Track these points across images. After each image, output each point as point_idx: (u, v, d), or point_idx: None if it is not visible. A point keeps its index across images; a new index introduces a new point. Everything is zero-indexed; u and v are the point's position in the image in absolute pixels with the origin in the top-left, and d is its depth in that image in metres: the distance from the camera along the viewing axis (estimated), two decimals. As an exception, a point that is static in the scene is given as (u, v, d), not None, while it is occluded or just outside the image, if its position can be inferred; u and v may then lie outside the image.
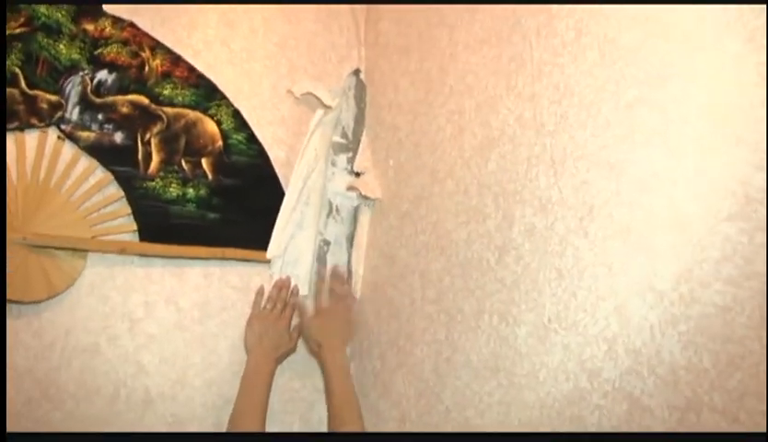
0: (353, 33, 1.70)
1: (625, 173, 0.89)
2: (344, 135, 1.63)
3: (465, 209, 1.21)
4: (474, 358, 1.10)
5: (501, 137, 1.16)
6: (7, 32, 1.29)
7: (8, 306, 1.22)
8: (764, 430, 0.68)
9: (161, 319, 1.35)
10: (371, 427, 1.35)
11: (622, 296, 0.86)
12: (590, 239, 0.93)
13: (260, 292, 1.45)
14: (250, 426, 1.19)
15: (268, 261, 1.48)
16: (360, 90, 1.67)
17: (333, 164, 1.60)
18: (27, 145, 1.27)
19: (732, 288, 0.73)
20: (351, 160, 1.61)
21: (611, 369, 0.85)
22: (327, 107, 1.59)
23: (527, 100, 1.11)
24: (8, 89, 1.27)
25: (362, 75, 1.67)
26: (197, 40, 1.48)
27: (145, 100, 1.40)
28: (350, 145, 1.63)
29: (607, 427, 0.84)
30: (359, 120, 1.65)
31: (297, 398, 1.44)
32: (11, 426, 1.18)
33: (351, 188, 1.56)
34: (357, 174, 1.58)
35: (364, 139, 1.61)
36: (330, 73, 1.65)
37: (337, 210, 1.58)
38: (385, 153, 1.53)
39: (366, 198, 1.53)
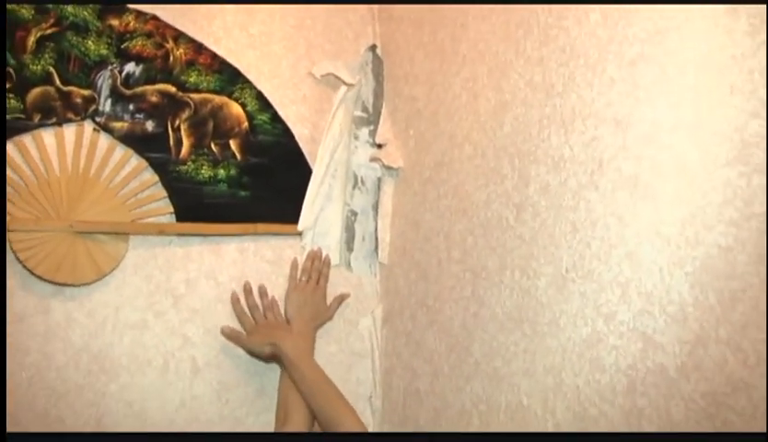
0: (366, 9, 1.75)
1: (630, 128, 0.94)
2: (365, 109, 1.69)
3: (483, 171, 1.26)
4: (499, 311, 1.16)
5: (513, 101, 1.21)
6: (39, 33, 1.36)
7: (62, 289, 1.31)
8: (764, 430, 0.72)
9: (202, 294, 1.44)
10: (404, 387, 1.42)
11: (632, 244, 0.91)
12: (601, 192, 0.98)
13: (294, 265, 1.52)
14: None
15: (299, 234, 1.55)
16: (377, 65, 1.72)
17: (356, 137, 1.66)
18: (66, 139, 1.35)
19: (733, 229, 0.78)
20: (372, 133, 1.67)
21: (625, 312, 0.90)
22: (348, 84, 1.65)
23: (535, 64, 1.16)
24: (44, 87, 1.35)
25: (378, 50, 1.72)
26: (217, 27, 1.54)
27: (172, 89, 1.47)
28: (371, 119, 1.68)
29: (623, 366, 0.90)
30: (378, 93, 1.70)
31: (335, 361, 1.52)
32: (75, 398, 1.27)
33: (374, 159, 1.62)
34: (379, 145, 1.64)
35: (383, 111, 1.66)
36: (347, 49, 1.70)
37: (362, 181, 1.65)
38: (405, 123, 1.58)
39: (388, 168, 1.59)
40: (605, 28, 1.02)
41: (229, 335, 1.43)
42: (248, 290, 1.47)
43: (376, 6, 1.75)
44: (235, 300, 1.46)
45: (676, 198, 0.86)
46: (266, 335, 1.41)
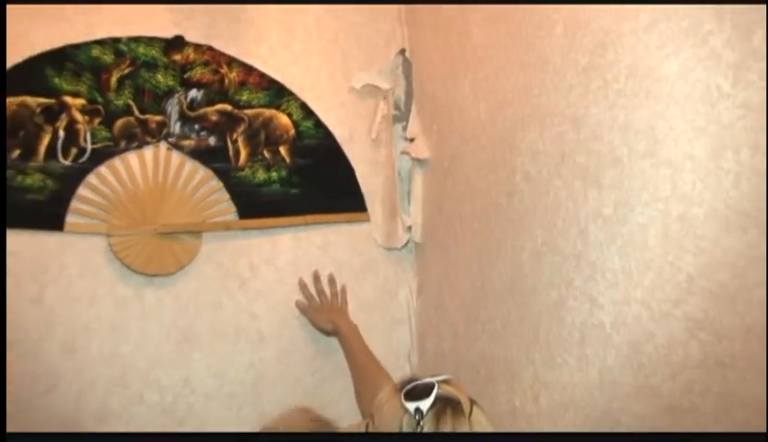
0: (395, 16, 1.97)
1: (583, 126, 1.15)
2: (398, 107, 1.92)
3: (484, 163, 1.48)
4: (497, 283, 1.39)
5: (504, 101, 1.42)
6: (119, 74, 1.68)
7: (152, 279, 1.62)
8: (764, 430, 0.81)
9: (264, 277, 1.73)
10: (434, 347, 1.67)
11: (583, 223, 1.12)
12: (563, 180, 1.19)
13: (303, 285, 1.76)
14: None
15: (343, 222, 1.81)
16: (407, 67, 1.94)
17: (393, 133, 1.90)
18: (146, 159, 1.66)
19: (647, 208, 0.98)
20: (404, 128, 1.90)
21: (578, 279, 1.12)
22: (385, 90, 1.89)
23: (520, 69, 1.36)
24: (126, 118, 1.66)
25: (407, 53, 1.94)
26: (264, 49, 1.81)
27: (228, 107, 1.76)
28: (403, 116, 1.91)
29: (577, 323, 1.11)
30: (408, 92, 1.93)
31: (379, 327, 1.78)
32: (168, 364, 1.59)
33: (404, 152, 1.85)
34: (411, 139, 1.87)
35: (413, 109, 1.89)
36: (378, 55, 1.93)
37: (399, 172, 1.89)
38: (429, 120, 1.81)
39: (417, 159, 1.83)
40: (566, 38, 1.22)
41: (301, 308, 1.73)
42: (316, 277, 1.75)
43: (403, 8, 1.96)
44: (303, 285, 1.75)
45: (612, 185, 1.07)
46: (329, 315, 1.70)
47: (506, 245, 1.37)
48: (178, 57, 1.74)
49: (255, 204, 1.74)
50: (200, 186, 1.70)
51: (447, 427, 0.90)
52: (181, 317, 1.64)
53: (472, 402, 0.95)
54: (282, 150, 1.79)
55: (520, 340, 1.28)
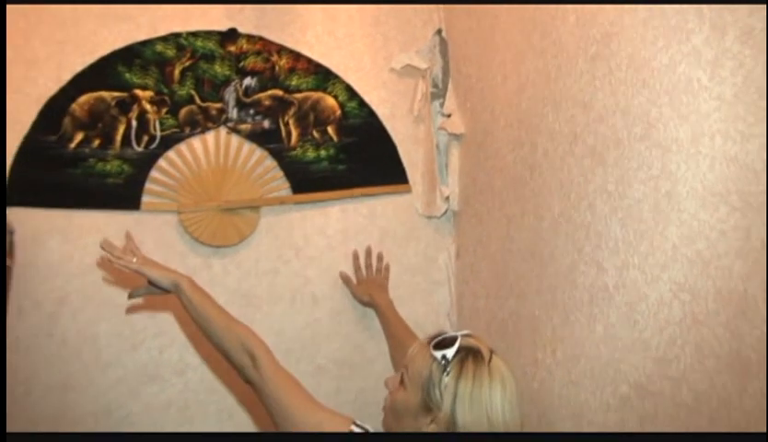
0: (432, -4, 2.10)
1: (591, 110, 1.28)
2: (436, 85, 2.07)
3: (510, 139, 1.62)
4: (522, 246, 1.54)
5: (527, 83, 1.55)
6: (181, 67, 1.87)
7: (217, 249, 1.84)
8: (764, 430, 0.85)
9: (316, 245, 1.92)
10: (470, 306, 1.84)
11: (591, 197, 1.26)
12: (576, 158, 1.33)
13: (356, 255, 1.94)
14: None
15: (387, 193, 1.98)
16: (443, 46, 2.07)
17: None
18: (208, 143, 1.86)
19: (644, 185, 1.12)
20: (442, 105, 2.04)
21: (587, 246, 1.26)
22: (423, 69, 2.03)
23: (539, 55, 1.49)
24: (189, 106, 1.86)
25: (443, 33, 2.07)
26: (310, 36, 1.98)
27: (279, 92, 1.94)
28: (440, 93, 2.06)
29: (587, 285, 1.26)
30: (445, 71, 2.07)
31: (421, 288, 1.96)
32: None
33: (441, 128, 2.00)
34: (448, 115, 2.01)
35: (450, 87, 2.03)
36: (417, 36, 2.07)
37: (437, 146, 2.04)
38: (464, 97, 1.94)
39: (453, 134, 1.97)
40: (577, 27, 1.34)
41: (344, 278, 1.91)
42: (368, 252, 1.94)
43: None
44: (355, 256, 1.93)
45: (614, 164, 1.20)
46: (368, 288, 1.89)
47: (529, 215, 1.51)
48: (232, 48, 1.92)
49: (306, 180, 1.92)
50: (257, 165, 1.90)
51: (469, 372, 1.08)
52: (244, 283, 1.86)
53: (491, 352, 1.13)
54: (329, 130, 1.96)
55: (541, 300, 1.43)
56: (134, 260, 1.36)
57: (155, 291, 1.39)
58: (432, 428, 1.08)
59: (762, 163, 0.88)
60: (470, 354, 1.11)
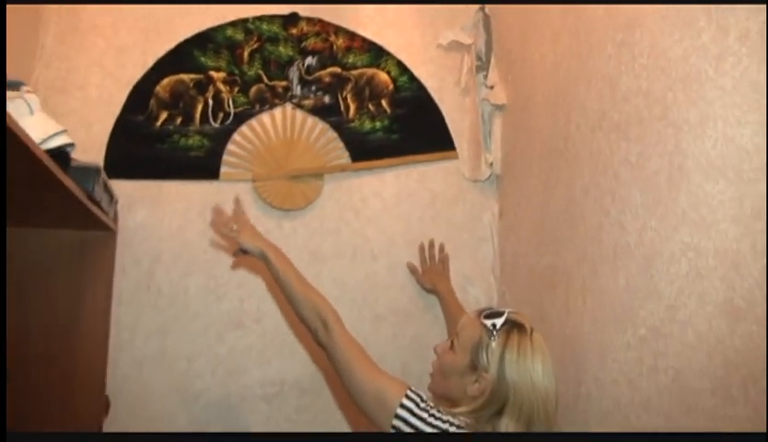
0: (476, -26, 2.26)
1: (616, 89, 1.45)
2: (480, 58, 2.24)
3: (546, 112, 1.81)
4: (556, 211, 1.74)
5: (561, 62, 1.73)
6: (249, 49, 2.10)
7: (287, 212, 2.08)
8: (764, 430, 0.91)
9: (373, 207, 2.15)
10: (511, 261, 2.05)
11: (631, 158, 1.45)
12: (604, 132, 1.51)
13: (422, 249, 2.15)
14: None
15: (436, 160, 2.19)
16: (487, 21, 2.24)
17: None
18: (276, 118, 2.09)
19: (664, 145, 1.30)
20: (485, 76, 2.22)
21: (628, 202, 1.46)
22: (468, 44, 2.21)
23: (572, 35, 1.66)
24: (258, 85, 2.09)
25: (486, 9, 2.24)
26: (363, 16, 2.18)
27: (338, 70, 2.15)
28: (484, 66, 2.23)
29: (631, 244, 1.46)
30: (488, 45, 2.24)
31: (467, 245, 2.17)
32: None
33: (485, 98, 2.19)
34: (491, 87, 2.19)
35: (492, 60, 2.20)
36: (461, 12, 2.25)
37: (482, 115, 2.23)
38: (506, 70, 2.12)
39: (496, 105, 2.16)
40: (606, 14, 1.51)
41: (410, 268, 2.14)
42: (431, 244, 2.14)
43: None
44: (421, 249, 2.14)
45: (636, 139, 1.39)
46: (431, 277, 2.10)
47: (563, 181, 1.71)
48: (294, 30, 2.14)
49: (364, 149, 2.15)
50: (320, 137, 2.12)
51: (514, 341, 1.29)
52: (311, 241, 2.10)
53: (532, 328, 1.34)
54: (383, 103, 2.17)
55: (573, 255, 1.64)
56: (235, 227, 1.59)
57: (247, 254, 1.60)
58: (476, 387, 1.28)
59: (753, 145, 1.07)
60: (515, 327, 1.32)
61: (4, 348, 1.04)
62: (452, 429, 1.23)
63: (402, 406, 1.25)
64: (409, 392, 1.27)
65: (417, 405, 1.25)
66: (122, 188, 1.96)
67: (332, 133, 2.14)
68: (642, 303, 1.35)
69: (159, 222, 2.01)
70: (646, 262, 1.34)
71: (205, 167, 2.04)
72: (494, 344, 1.28)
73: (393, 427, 1.24)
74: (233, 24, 2.11)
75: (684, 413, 1.21)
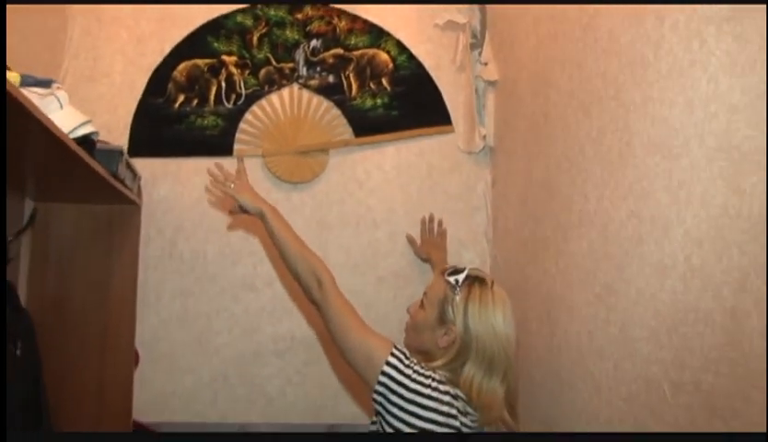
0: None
1: (583, 70, 1.60)
2: (474, 36, 2.39)
3: (530, 90, 1.95)
4: (537, 179, 1.89)
5: (542, 43, 1.87)
6: (258, 34, 2.27)
7: (296, 185, 2.27)
8: (764, 430, 0.92)
9: (375, 178, 2.32)
10: (502, 226, 2.21)
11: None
12: (572, 110, 1.66)
13: (423, 221, 2.29)
14: None
15: (434, 134, 2.35)
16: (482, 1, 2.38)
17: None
18: (284, 98, 2.27)
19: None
20: (480, 54, 2.36)
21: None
22: (462, 24, 2.35)
23: (550, 19, 1.80)
24: (267, 67, 2.27)
25: (481, -11, 2.38)
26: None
27: (340, 51, 2.31)
28: (478, 43, 2.38)
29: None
30: (483, 23, 2.38)
31: (462, 212, 2.34)
32: (310, 244, 2.26)
33: (478, 76, 2.33)
34: (485, 64, 2.33)
35: (487, 37, 2.34)
36: (457, -7, 2.39)
37: (476, 91, 2.37)
38: (498, 48, 2.26)
39: (489, 81, 2.30)
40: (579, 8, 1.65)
41: (409, 239, 2.30)
42: (431, 218, 2.30)
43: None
44: (423, 221, 2.30)
45: (597, 116, 1.54)
46: (428, 248, 2.26)
47: (542, 154, 1.86)
48: (299, 15, 2.30)
49: (366, 125, 2.32)
50: (324, 114, 2.30)
51: (475, 294, 1.43)
52: (318, 211, 2.29)
53: (493, 281, 1.48)
54: (384, 81, 2.33)
55: (549, 222, 1.80)
56: (232, 185, 1.69)
57: (246, 212, 1.67)
58: (445, 338, 1.42)
59: (679, 123, 1.21)
60: (476, 281, 1.46)
61: (4, 348, 1.02)
62: (434, 383, 1.37)
63: (388, 363, 1.38)
64: (394, 350, 1.40)
65: (401, 361, 1.38)
66: (146, 165, 2.16)
67: (336, 111, 2.31)
68: (598, 264, 1.52)
69: (180, 195, 2.22)
70: (603, 228, 1.50)
71: (220, 144, 2.24)
72: (457, 298, 1.42)
73: (380, 383, 1.37)
74: (243, 11, 2.28)
75: (628, 359, 1.38)
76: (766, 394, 0.97)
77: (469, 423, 1.39)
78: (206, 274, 2.22)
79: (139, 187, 2.09)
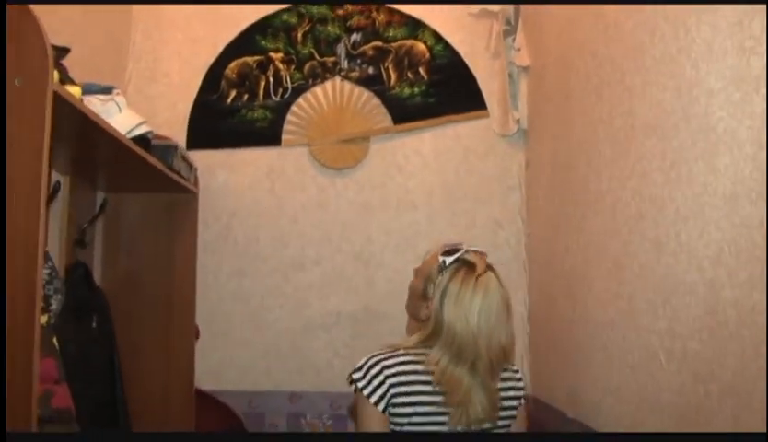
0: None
1: (596, 56, 1.68)
2: (508, 23, 2.47)
3: (556, 74, 2.04)
4: (561, 160, 1.99)
5: (563, 29, 1.95)
6: (302, 30, 2.43)
7: (340, 171, 2.42)
8: (764, 430, 0.93)
9: (414, 163, 2.45)
10: (534, 205, 2.30)
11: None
12: (587, 94, 1.74)
13: None
14: None
15: (470, 119, 2.45)
16: (515, -13, 2.46)
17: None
18: (327, 89, 2.43)
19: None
20: (513, 40, 2.45)
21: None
22: (495, 12, 2.44)
23: (572, 6, 1.88)
24: (311, 62, 2.43)
25: (514, -23, 2.45)
26: (401, -7, 2.45)
27: (380, 43, 2.45)
28: (512, 29, 2.46)
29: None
30: (516, 9, 2.46)
31: (498, 191, 2.45)
32: (354, 226, 2.42)
33: (511, 61, 2.42)
34: (518, 49, 2.42)
35: (520, 25, 2.42)
36: (491, -18, 2.47)
37: (510, 75, 2.46)
38: (529, 35, 2.35)
39: (521, 66, 2.39)
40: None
41: None
42: None
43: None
44: None
45: (608, 99, 1.62)
46: None
47: (564, 136, 1.95)
48: (340, 11, 2.45)
49: (405, 113, 2.45)
50: (365, 104, 2.44)
51: (458, 279, 1.33)
52: (360, 195, 2.44)
53: (488, 269, 1.37)
54: (421, 70, 2.45)
55: (570, 202, 1.89)
56: None
57: None
58: (425, 312, 1.40)
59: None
60: (464, 266, 1.36)
61: (4, 348, 1.03)
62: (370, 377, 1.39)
63: (355, 390, 1.42)
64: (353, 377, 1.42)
65: (355, 383, 1.41)
66: (202, 157, 2.35)
67: (376, 100, 2.44)
68: (609, 240, 1.61)
69: (233, 183, 2.41)
70: (612, 207, 1.59)
71: (269, 135, 2.41)
72: (440, 279, 1.36)
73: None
74: (287, 10, 2.45)
75: (633, 330, 1.48)
76: (766, 394, 0.99)
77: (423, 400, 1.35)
78: (259, 256, 2.41)
79: (196, 177, 2.29)
